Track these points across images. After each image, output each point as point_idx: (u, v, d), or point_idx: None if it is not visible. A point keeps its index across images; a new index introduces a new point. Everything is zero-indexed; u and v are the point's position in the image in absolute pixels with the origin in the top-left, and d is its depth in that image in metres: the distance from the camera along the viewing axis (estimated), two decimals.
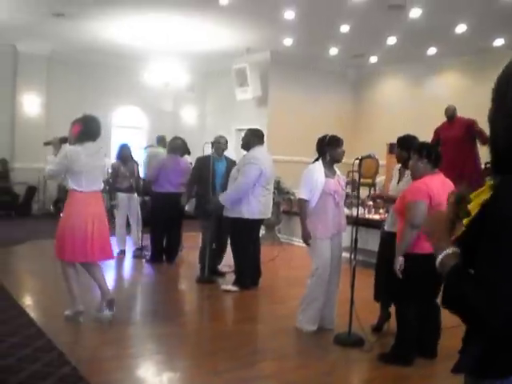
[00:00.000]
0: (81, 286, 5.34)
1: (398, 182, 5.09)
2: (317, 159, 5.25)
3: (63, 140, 5.21)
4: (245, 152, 6.60)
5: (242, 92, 11.72)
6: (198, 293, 6.72)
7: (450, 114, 8.71)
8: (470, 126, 8.40)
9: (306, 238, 5.12)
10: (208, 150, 7.20)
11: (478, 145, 8.48)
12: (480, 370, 1.52)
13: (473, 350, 1.55)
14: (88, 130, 5.12)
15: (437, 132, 8.89)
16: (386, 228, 5.09)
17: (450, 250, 1.58)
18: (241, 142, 6.75)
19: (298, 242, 9.17)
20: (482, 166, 8.38)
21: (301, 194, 5.17)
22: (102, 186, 5.34)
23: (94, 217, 5.02)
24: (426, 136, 4.67)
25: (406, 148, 4.90)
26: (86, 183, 5.02)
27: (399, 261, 4.29)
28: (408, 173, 4.79)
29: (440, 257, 1.59)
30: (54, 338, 4.65)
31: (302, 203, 5.14)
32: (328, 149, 5.15)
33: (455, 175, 8.28)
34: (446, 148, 8.67)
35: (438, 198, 4.18)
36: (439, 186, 4.29)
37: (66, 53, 11.96)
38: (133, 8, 8.49)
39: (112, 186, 8.35)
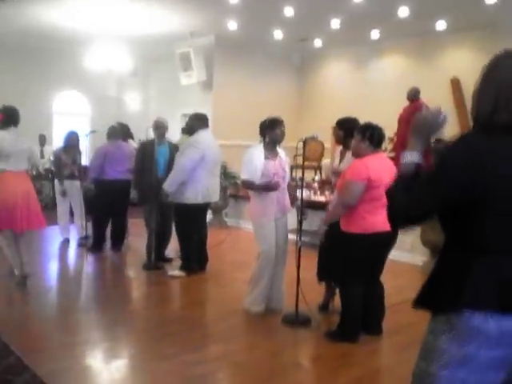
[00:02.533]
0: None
1: (340, 163, 5.14)
2: (261, 141, 5.28)
3: None
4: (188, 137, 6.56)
5: (186, 77, 11.59)
6: (145, 279, 6.66)
7: (410, 95, 9.05)
8: (416, 109, 8.60)
9: (274, 185, 5.05)
10: (151, 135, 7.10)
11: None
12: (421, 302, 1.88)
13: (423, 285, 1.90)
14: (10, 117, 5.87)
15: (402, 112, 9.13)
16: (330, 209, 5.15)
17: (413, 158, 1.89)
18: (184, 128, 6.69)
19: (245, 225, 9.20)
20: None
21: (243, 175, 5.19)
22: (27, 166, 6.09)
23: (22, 192, 5.76)
24: (369, 118, 4.72)
25: (343, 128, 5.02)
26: (15, 163, 5.75)
27: (321, 230, 4.65)
28: (348, 153, 4.86)
29: (405, 159, 1.90)
30: None
31: (247, 181, 5.16)
32: (267, 131, 5.18)
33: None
34: (405, 128, 8.91)
35: (379, 178, 4.26)
36: (379, 166, 4.36)
37: (6, 37, 11.52)
38: None
39: (57, 174, 8.20)
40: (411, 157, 1.89)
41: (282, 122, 5.25)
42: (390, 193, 1.90)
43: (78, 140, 8.25)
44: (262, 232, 5.14)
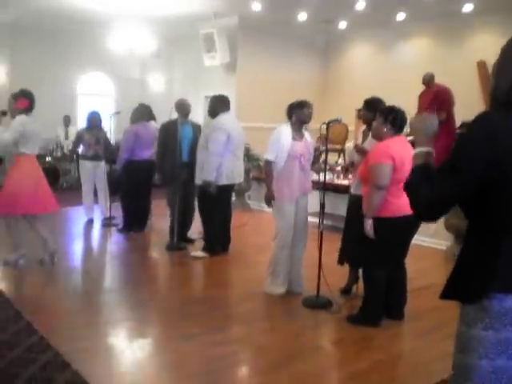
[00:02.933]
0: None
1: (362, 143, 5.11)
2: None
3: (3, 113, 5.98)
4: (211, 119, 6.55)
5: (209, 58, 11.56)
6: (168, 260, 6.71)
7: (426, 80, 8.82)
8: (439, 95, 8.49)
9: (270, 198, 5.20)
10: (174, 115, 7.11)
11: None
12: (450, 293, 1.85)
13: (450, 276, 1.87)
14: (32, 102, 5.93)
15: (419, 97, 8.99)
16: (352, 191, 5.13)
17: (424, 149, 1.94)
18: (207, 110, 6.67)
19: (268, 208, 9.21)
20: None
21: (267, 155, 5.18)
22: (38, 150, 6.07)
23: (38, 175, 5.89)
24: (394, 101, 4.67)
25: (371, 109, 4.94)
26: (33, 147, 5.84)
27: (369, 223, 4.32)
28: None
29: (416, 151, 1.96)
30: (20, 308, 4.63)
31: (268, 164, 5.18)
32: (294, 111, 5.17)
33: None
34: (421, 113, 8.80)
35: (401, 160, 4.23)
36: (401, 148, 4.32)
37: (29, 20, 11.60)
38: None
39: (73, 153, 8.31)
40: (420, 148, 1.95)
41: (310, 104, 5.24)
42: (409, 187, 1.89)
43: (100, 120, 8.32)
44: (281, 212, 5.15)
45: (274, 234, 5.22)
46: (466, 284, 1.81)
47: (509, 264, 1.71)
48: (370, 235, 4.34)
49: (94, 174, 8.31)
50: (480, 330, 1.76)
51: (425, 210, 1.82)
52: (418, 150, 1.95)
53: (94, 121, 8.24)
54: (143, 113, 7.86)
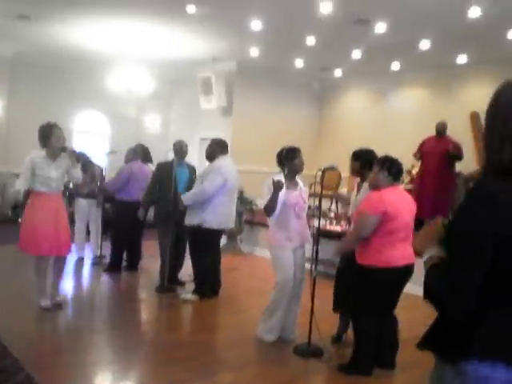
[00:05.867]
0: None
1: (356, 195, 5.12)
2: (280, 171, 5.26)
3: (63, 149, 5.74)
4: (208, 162, 6.59)
5: (206, 101, 11.70)
6: (157, 302, 6.64)
7: (441, 129, 8.85)
8: (455, 143, 8.60)
9: (278, 184, 4.89)
10: (170, 157, 7.13)
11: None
12: (434, 348, 1.82)
13: (436, 328, 1.85)
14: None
15: (423, 144, 9.03)
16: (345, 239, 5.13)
17: (433, 252, 1.86)
18: (205, 153, 6.70)
19: (260, 252, 9.18)
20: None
21: (264, 202, 5.12)
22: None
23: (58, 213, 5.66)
24: (388, 150, 4.72)
25: (358, 160, 5.02)
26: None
27: (335, 256, 4.41)
28: (365, 185, 4.84)
29: (425, 257, 1.88)
30: (8, 345, 4.55)
31: (266, 207, 5.08)
32: (285, 162, 5.17)
33: (433, 189, 8.54)
34: (427, 161, 8.87)
35: (395, 211, 4.24)
36: (396, 198, 4.35)
37: (29, 55, 11.75)
38: (99, 13, 8.40)
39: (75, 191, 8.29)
40: (430, 253, 1.87)
41: (300, 151, 5.24)
42: (431, 293, 1.79)
43: (86, 158, 8.20)
44: (281, 261, 5.09)
45: (275, 283, 5.15)
46: (444, 341, 1.79)
47: (491, 332, 1.69)
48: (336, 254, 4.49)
49: (88, 212, 8.28)
50: None
51: (459, 305, 1.69)
52: (429, 255, 1.87)
53: (83, 161, 8.18)
54: (139, 153, 7.89)
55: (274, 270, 5.18)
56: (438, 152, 8.67)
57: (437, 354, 1.82)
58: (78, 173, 5.87)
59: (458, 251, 1.71)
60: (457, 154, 8.59)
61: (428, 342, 1.84)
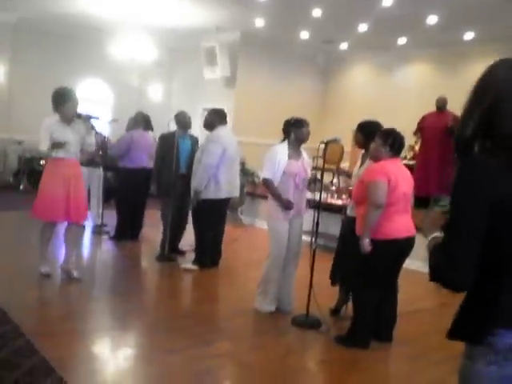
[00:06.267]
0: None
1: (360, 167, 5.10)
2: (283, 141, 5.25)
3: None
4: (207, 132, 6.56)
5: (210, 71, 11.61)
6: (158, 271, 6.68)
7: (441, 104, 8.80)
8: (456, 118, 8.54)
9: (286, 203, 5.03)
10: (172, 127, 7.11)
11: None
12: (456, 333, 1.82)
13: (456, 316, 1.83)
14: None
15: (423, 119, 8.99)
16: (348, 213, 5.12)
17: (436, 234, 1.89)
18: (203, 122, 6.65)
19: (261, 224, 9.19)
20: None
21: (264, 173, 5.14)
22: None
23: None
24: (392, 124, 4.69)
25: (364, 132, 4.97)
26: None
27: (366, 243, 4.29)
28: (369, 159, 4.82)
29: (429, 238, 1.91)
30: (8, 311, 4.58)
31: (268, 182, 5.10)
32: (292, 129, 5.15)
33: (437, 165, 8.51)
34: (429, 136, 8.84)
35: (395, 181, 4.24)
36: (396, 170, 4.34)
37: (32, 22, 11.61)
38: None
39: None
40: (432, 234, 1.91)
41: (308, 123, 5.24)
42: (433, 264, 1.81)
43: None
44: (275, 233, 5.12)
45: (268, 253, 5.19)
46: (470, 324, 1.81)
47: (510, 301, 1.72)
48: (366, 253, 4.32)
49: (88, 180, 8.26)
50: (483, 365, 1.75)
51: (453, 275, 1.72)
52: (433, 235, 1.90)
53: None
54: (140, 121, 7.86)
55: (268, 240, 5.20)
56: (439, 127, 8.64)
57: (466, 341, 1.82)
58: (92, 139, 5.80)
59: (451, 222, 1.75)
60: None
61: (454, 330, 1.84)
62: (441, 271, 1.75)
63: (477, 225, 1.70)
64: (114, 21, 10.70)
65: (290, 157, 5.10)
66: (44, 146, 5.43)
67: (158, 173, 7.03)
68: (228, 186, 6.44)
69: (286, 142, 5.18)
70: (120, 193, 7.86)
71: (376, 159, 4.48)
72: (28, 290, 5.37)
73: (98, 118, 5.96)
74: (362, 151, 5.18)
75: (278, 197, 5.07)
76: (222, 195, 6.43)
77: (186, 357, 4.11)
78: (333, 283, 5.27)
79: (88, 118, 5.73)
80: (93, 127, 5.86)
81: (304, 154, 5.29)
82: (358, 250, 4.40)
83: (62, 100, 5.49)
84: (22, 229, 8.18)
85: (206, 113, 6.80)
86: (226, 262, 6.86)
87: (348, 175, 5.87)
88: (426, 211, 2.07)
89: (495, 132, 1.74)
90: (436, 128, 8.70)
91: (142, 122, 7.88)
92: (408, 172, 4.57)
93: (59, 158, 5.49)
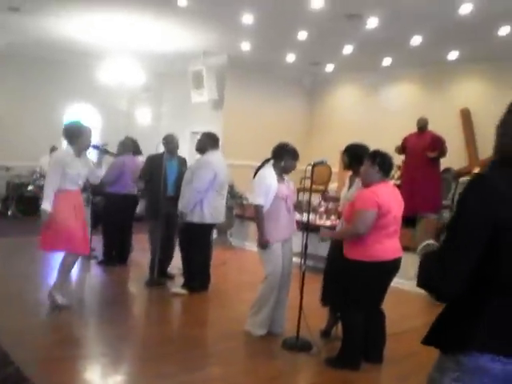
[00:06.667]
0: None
1: (348, 190, 5.13)
2: (266, 161, 5.25)
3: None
4: (198, 155, 6.58)
5: (197, 94, 11.67)
6: (147, 296, 6.64)
7: (422, 124, 8.91)
8: (437, 140, 8.64)
9: (264, 243, 5.06)
10: (161, 150, 7.13)
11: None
12: (431, 340, 1.87)
13: (434, 323, 1.89)
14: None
15: (405, 140, 9.09)
16: (337, 230, 5.15)
17: (429, 241, 1.96)
18: (196, 145, 6.68)
19: (250, 246, 9.19)
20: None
21: (256, 199, 5.11)
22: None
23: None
24: (378, 145, 4.73)
25: (350, 155, 5.01)
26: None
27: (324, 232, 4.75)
28: (358, 180, 4.85)
29: (421, 246, 1.97)
30: None
31: (259, 209, 5.08)
32: (286, 156, 5.17)
33: (418, 185, 8.59)
34: (411, 157, 8.94)
35: (387, 206, 4.26)
36: (388, 194, 4.37)
37: (19, 48, 11.62)
38: (90, 5, 8.33)
39: None
40: (427, 242, 1.97)
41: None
42: (423, 275, 1.84)
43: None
44: (271, 255, 5.10)
45: (264, 277, 5.18)
46: (446, 335, 1.84)
47: (490, 325, 1.73)
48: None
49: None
50: (451, 380, 1.79)
51: (443, 284, 1.76)
52: (426, 242, 1.97)
53: None
54: (129, 146, 7.88)
55: (262, 263, 5.19)
56: (420, 148, 8.74)
57: (439, 349, 1.87)
58: (102, 171, 5.93)
59: (452, 233, 1.78)
60: (437, 156, 8.65)
61: (431, 337, 1.89)
62: (432, 278, 1.78)
63: (477, 242, 1.73)
64: (103, 46, 10.76)
65: (278, 181, 5.12)
66: (46, 206, 5.41)
67: (146, 194, 7.06)
68: (213, 211, 6.42)
69: (271, 165, 5.19)
70: (107, 217, 7.85)
71: (367, 182, 4.48)
72: (17, 316, 5.33)
73: (107, 145, 6.10)
74: (350, 173, 5.22)
75: (261, 229, 5.06)
76: (209, 220, 6.43)
77: (177, 383, 4.08)
78: (324, 304, 5.27)
79: (103, 148, 5.89)
80: (107, 153, 6.00)
81: (286, 178, 5.32)
82: (346, 272, 4.42)
83: (78, 132, 5.58)
84: (11, 256, 8.13)
85: (194, 136, 6.82)
86: (215, 285, 6.84)
87: (336, 199, 5.90)
88: (414, 230, 2.11)
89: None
90: (415, 149, 8.79)
91: (131, 146, 7.91)
92: (399, 194, 4.59)
93: (69, 190, 5.53)
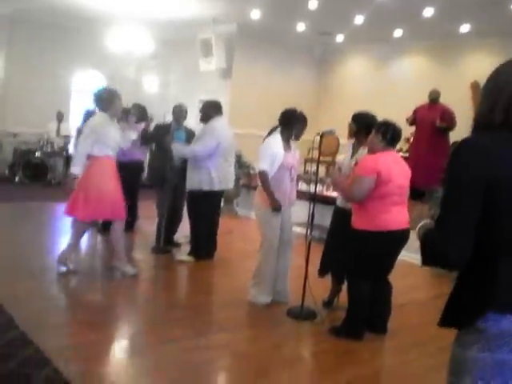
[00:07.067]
0: None
1: (352, 157, 5.10)
2: (273, 129, 5.20)
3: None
4: (203, 124, 6.55)
5: (206, 63, 11.56)
6: (153, 262, 6.68)
7: (434, 96, 8.86)
8: (447, 113, 8.59)
9: (276, 205, 5.03)
10: (169, 119, 7.10)
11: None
12: (447, 320, 1.83)
13: (447, 304, 1.84)
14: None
15: (415, 111, 9.04)
16: (338, 204, 5.14)
17: (426, 220, 1.95)
18: (199, 114, 6.64)
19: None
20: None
21: (261, 165, 5.07)
22: None
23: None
24: (387, 116, 4.68)
25: (358, 123, 4.96)
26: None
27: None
28: (363, 149, 4.83)
29: (419, 225, 1.95)
30: (4, 303, 4.60)
31: (264, 175, 5.05)
32: (296, 123, 5.12)
33: (426, 157, 8.57)
34: (422, 128, 8.90)
35: (388, 174, 4.24)
36: (390, 162, 4.33)
37: (28, 13, 11.52)
38: None
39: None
40: (423, 221, 1.96)
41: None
42: (428, 250, 1.81)
43: None
44: (269, 223, 5.10)
45: (260, 244, 5.20)
46: (461, 309, 1.79)
47: (506, 284, 1.70)
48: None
49: None
50: (475, 352, 1.73)
51: (450, 249, 1.72)
52: (423, 222, 1.95)
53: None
54: (136, 114, 7.83)
55: (260, 229, 5.20)
56: (430, 120, 8.69)
57: (457, 327, 1.82)
58: (134, 135, 5.91)
59: (448, 196, 1.76)
60: (445, 127, 8.60)
61: (446, 317, 1.84)
62: (438, 248, 1.75)
63: (475, 200, 1.71)
64: (111, 13, 10.64)
65: (284, 149, 5.09)
66: (76, 170, 5.44)
67: (152, 162, 7.05)
68: (221, 178, 6.43)
69: (278, 133, 5.15)
70: None
71: (370, 151, 4.49)
72: (23, 281, 5.37)
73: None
74: (353, 141, 5.17)
75: (270, 194, 5.04)
76: (216, 187, 6.43)
77: (182, 347, 4.12)
78: (321, 275, 5.27)
79: (132, 112, 6.03)
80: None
81: (293, 146, 5.28)
82: (353, 241, 4.42)
83: (111, 98, 5.61)
84: (18, 221, 8.18)
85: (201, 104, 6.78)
86: (221, 253, 6.87)
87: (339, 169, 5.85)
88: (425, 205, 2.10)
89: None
90: (426, 120, 8.77)
91: (136, 114, 7.86)
92: (404, 163, 4.57)
93: (106, 156, 5.55)
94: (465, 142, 1.77)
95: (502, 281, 1.70)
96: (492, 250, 1.74)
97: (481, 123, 1.84)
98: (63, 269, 5.65)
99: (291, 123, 5.13)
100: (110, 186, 5.53)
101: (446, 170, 1.78)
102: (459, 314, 1.80)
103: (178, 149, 6.42)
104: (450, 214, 1.74)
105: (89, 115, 8.12)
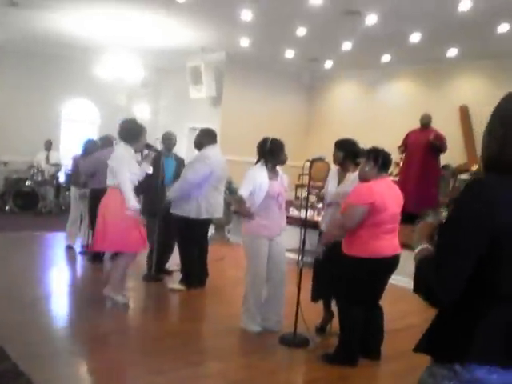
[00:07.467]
0: None
1: (338, 185, 5.12)
2: (258, 160, 5.22)
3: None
4: (197, 152, 6.56)
5: (195, 90, 11.64)
6: (145, 291, 6.64)
7: (425, 121, 8.92)
8: (438, 135, 8.67)
9: (250, 214, 5.05)
10: (159, 146, 7.11)
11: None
12: (425, 347, 1.83)
13: (428, 331, 1.86)
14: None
15: (407, 136, 9.10)
16: (322, 229, 5.16)
17: (424, 245, 1.93)
18: (194, 142, 6.66)
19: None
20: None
21: (240, 191, 5.10)
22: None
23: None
24: (376, 141, 4.73)
25: (342, 149, 5.03)
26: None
27: (320, 248, 4.75)
28: (349, 176, 4.87)
29: (416, 250, 1.94)
30: None
31: (240, 199, 5.06)
32: (270, 156, 5.12)
33: (417, 181, 8.62)
34: (411, 152, 8.95)
35: (383, 203, 4.25)
36: (385, 190, 4.35)
37: (18, 42, 11.59)
38: (89, 0, 8.31)
39: (75, 180, 8.20)
40: (422, 245, 1.94)
41: (283, 144, 5.21)
42: (420, 281, 1.82)
43: (96, 147, 8.10)
44: (256, 250, 5.10)
45: (246, 271, 5.19)
46: (441, 343, 1.79)
47: (488, 336, 1.70)
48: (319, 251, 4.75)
49: (82, 201, 8.14)
50: None
51: (440, 290, 1.73)
52: (421, 246, 1.94)
53: (91, 148, 8.05)
54: (108, 140, 7.89)
55: (246, 257, 5.20)
56: (422, 144, 8.74)
57: (433, 357, 1.83)
58: (150, 169, 5.85)
59: (448, 239, 1.74)
60: (438, 145, 8.66)
61: (424, 345, 1.85)
62: (428, 284, 1.74)
63: (475, 248, 1.69)
64: (101, 41, 10.72)
65: (269, 178, 5.10)
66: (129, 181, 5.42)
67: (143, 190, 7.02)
68: (211, 207, 6.43)
69: (263, 163, 5.16)
70: (90, 213, 7.76)
71: (363, 179, 4.50)
72: (14, 311, 5.32)
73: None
74: (336, 168, 5.22)
75: (242, 210, 5.09)
76: (203, 216, 6.42)
77: (175, 378, 4.09)
78: (313, 299, 5.26)
79: (155, 148, 5.98)
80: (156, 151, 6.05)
81: (280, 172, 5.29)
82: (343, 268, 4.42)
83: (141, 132, 5.63)
84: (9, 251, 8.12)
85: (192, 132, 6.82)
86: (213, 281, 6.83)
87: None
88: (415, 226, 2.09)
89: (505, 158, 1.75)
90: (418, 144, 8.81)
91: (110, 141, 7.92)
92: (397, 189, 4.58)
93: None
94: (476, 184, 1.75)
95: (483, 331, 1.70)
96: (482, 299, 1.73)
97: (491, 166, 1.80)
98: (114, 304, 5.66)
99: (265, 154, 5.14)
100: (128, 217, 5.41)
101: (453, 206, 1.77)
102: (438, 348, 1.81)
103: (172, 190, 6.38)
104: (447, 256, 1.72)
105: (89, 145, 8.13)
